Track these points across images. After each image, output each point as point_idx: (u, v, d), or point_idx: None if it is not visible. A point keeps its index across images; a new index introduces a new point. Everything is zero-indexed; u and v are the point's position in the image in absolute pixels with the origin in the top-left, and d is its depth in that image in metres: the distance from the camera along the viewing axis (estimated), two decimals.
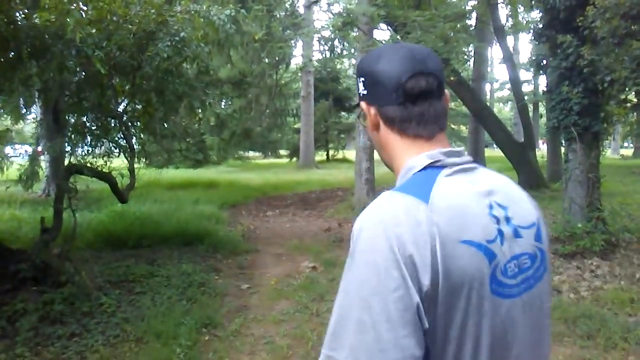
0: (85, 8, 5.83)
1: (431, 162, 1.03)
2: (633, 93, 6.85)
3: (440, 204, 0.94)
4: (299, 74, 26.19)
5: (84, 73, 5.94)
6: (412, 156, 1.05)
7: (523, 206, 1.08)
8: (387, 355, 0.87)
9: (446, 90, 1.14)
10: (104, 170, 6.17)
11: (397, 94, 1.05)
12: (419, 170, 1.03)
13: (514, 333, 0.98)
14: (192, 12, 6.04)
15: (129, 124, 6.93)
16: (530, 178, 13.72)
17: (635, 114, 7.27)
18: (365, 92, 1.12)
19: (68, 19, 4.62)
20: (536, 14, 9.46)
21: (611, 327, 4.28)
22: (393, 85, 1.05)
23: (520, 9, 19.00)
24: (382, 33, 23.99)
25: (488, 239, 0.95)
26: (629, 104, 6.80)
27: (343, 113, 34.20)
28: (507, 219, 1.01)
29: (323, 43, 26.10)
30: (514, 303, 0.98)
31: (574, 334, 4.30)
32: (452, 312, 0.91)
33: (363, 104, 1.13)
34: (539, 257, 1.04)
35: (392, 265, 0.88)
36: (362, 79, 1.12)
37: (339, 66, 32.75)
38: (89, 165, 6.01)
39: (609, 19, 5.73)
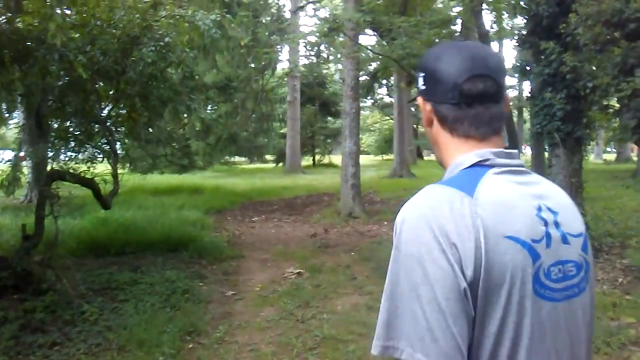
0: (68, 12, 5.79)
1: (480, 161, 1.03)
2: (615, 99, 6.93)
3: (486, 198, 0.95)
4: (285, 79, 26.19)
5: (67, 78, 5.89)
6: (462, 154, 1.06)
7: (572, 215, 1.07)
8: (439, 344, 0.88)
9: (508, 94, 1.15)
10: (87, 176, 6.10)
11: (453, 94, 1.05)
12: (467, 167, 1.03)
13: (555, 338, 0.98)
14: (177, 17, 6.02)
15: (113, 129, 6.88)
16: None
17: (617, 119, 7.34)
18: (423, 87, 1.12)
19: (50, 24, 4.56)
20: (520, 21, 9.55)
21: (594, 331, 4.30)
22: (450, 85, 1.05)
23: (505, 15, 19.17)
24: (368, 38, 24.08)
25: (533, 238, 0.95)
26: (611, 110, 6.87)
27: (329, 118, 34.28)
28: (557, 224, 1.00)
29: (309, 48, 26.16)
30: (556, 308, 0.97)
31: None
32: (492, 308, 0.91)
33: (420, 99, 1.14)
34: (584, 267, 1.03)
35: (437, 254, 0.90)
36: (422, 74, 1.13)
37: (325, 71, 32.82)
38: (71, 171, 5.93)
39: (591, 26, 5.80)
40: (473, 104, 1.05)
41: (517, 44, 8.02)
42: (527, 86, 16.97)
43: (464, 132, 1.06)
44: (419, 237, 0.92)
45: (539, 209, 0.99)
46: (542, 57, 7.07)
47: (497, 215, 0.94)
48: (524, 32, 7.64)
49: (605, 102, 6.75)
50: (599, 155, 37.24)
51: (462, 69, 1.05)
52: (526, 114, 27.92)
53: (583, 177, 7.36)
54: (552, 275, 0.97)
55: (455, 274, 0.89)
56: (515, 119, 22.77)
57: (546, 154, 8.12)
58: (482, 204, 0.94)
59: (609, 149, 42.65)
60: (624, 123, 6.51)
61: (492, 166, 1.02)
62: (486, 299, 0.91)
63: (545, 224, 0.98)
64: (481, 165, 1.02)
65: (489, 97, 1.05)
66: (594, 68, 6.31)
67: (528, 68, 7.83)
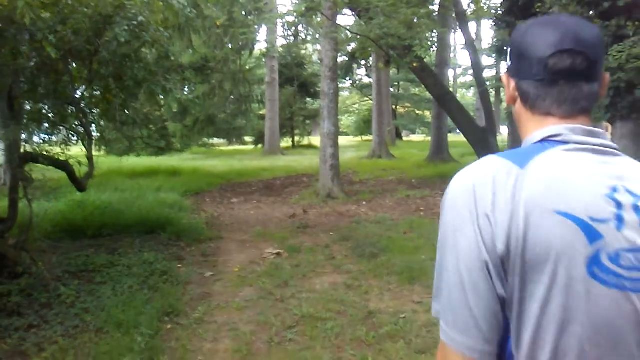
0: None
1: (550, 136, 0.98)
2: None
3: (539, 171, 0.91)
4: (263, 60, 25.98)
5: (38, 59, 5.76)
6: (539, 131, 1.01)
7: None
8: (456, 314, 0.91)
9: (606, 74, 1.07)
10: (60, 158, 6.01)
11: (537, 69, 1.00)
12: (535, 142, 1.00)
13: (625, 332, 0.88)
14: None
15: (87, 110, 6.77)
16: None
17: None
18: (509, 63, 1.08)
19: (18, 2, 4.45)
20: (497, 0, 9.60)
21: None
22: (535, 60, 1.00)
23: None
24: (347, 18, 23.94)
25: (593, 217, 0.88)
26: None
27: (308, 99, 34.16)
28: (637, 208, 0.90)
29: (287, 28, 25.90)
30: (627, 298, 0.87)
31: None
32: (533, 286, 0.87)
33: (504, 76, 1.11)
34: None
35: (468, 224, 0.90)
36: (509, 50, 1.08)
37: (303, 52, 32.60)
38: (45, 153, 5.84)
39: (566, 5, 5.86)
40: (558, 80, 0.99)
41: (494, 23, 8.07)
42: (504, 66, 17.08)
43: (544, 110, 1.01)
44: (456, 205, 0.93)
45: (614, 189, 0.91)
46: None
47: (549, 189, 0.89)
48: (501, 12, 7.68)
49: None
50: None
51: (548, 43, 0.99)
52: (503, 94, 28.12)
53: None
54: (621, 262, 0.87)
55: (478, 246, 0.89)
56: (493, 99, 22.93)
57: None
58: (532, 177, 0.90)
59: None
60: (598, 102, 6.61)
61: (564, 142, 0.96)
62: (525, 275, 0.87)
63: (619, 206, 0.89)
64: (551, 140, 0.97)
65: (577, 74, 0.98)
66: None
67: (505, 48, 7.88)
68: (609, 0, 5.55)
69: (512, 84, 1.07)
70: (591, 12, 5.89)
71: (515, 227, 0.87)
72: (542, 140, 0.98)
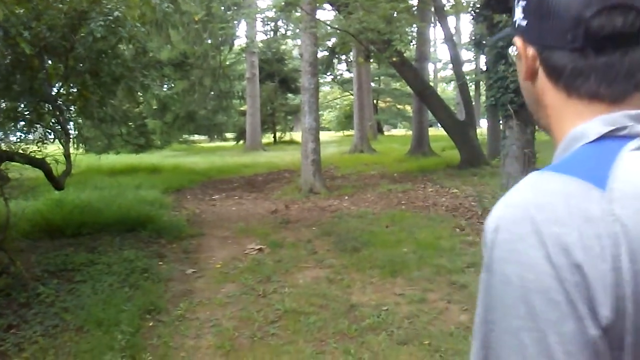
0: None
1: (610, 131, 0.68)
2: None
3: (626, 191, 0.62)
4: (243, 55, 25.85)
5: (13, 55, 5.67)
6: (583, 122, 0.71)
7: None
8: None
9: None
10: (37, 156, 5.93)
11: (574, 34, 0.69)
12: (592, 142, 0.69)
13: None
14: None
15: (64, 108, 6.68)
16: (471, 155, 14.13)
17: None
18: (524, 22, 0.76)
19: None
20: None
21: None
22: (570, 21, 0.69)
23: None
24: (326, 13, 23.91)
25: None
26: None
27: (289, 94, 34.07)
28: None
29: (267, 23, 25.83)
30: None
31: None
32: None
33: (517, 40, 0.78)
34: None
35: (551, 282, 0.59)
36: (522, 2, 0.76)
37: (283, 47, 32.51)
38: (21, 151, 5.76)
39: None
40: (606, 48, 0.69)
41: (472, 17, 8.13)
42: (483, 60, 17.24)
43: (589, 91, 0.71)
44: (522, 254, 0.61)
45: None
46: (496, 30, 7.19)
47: None
48: (478, 6, 7.74)
49: None
50: None
51: None
52: (483, 87, 28.38)
53: (536, 147, 7.57)
54: None
55: (578, 316, 0.58)
56: (472, 93, 23.15)
57: (501, 126, 8.32)
58: (621, 201, 0.61)
59: None
60: None
61: (631, 137, 0.67)
62: (638, 347, 0.59)
63: None
64: (614, 137, 0.68)
65: (630, 38, 0.68)
66: None
67: (483, 42, 7.95)
68: None
69: (531, 52, 0.76)
70: None
71: (621, 279, 0.58)
72: (601, 138, 0.68)
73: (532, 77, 0.78)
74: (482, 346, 0.64)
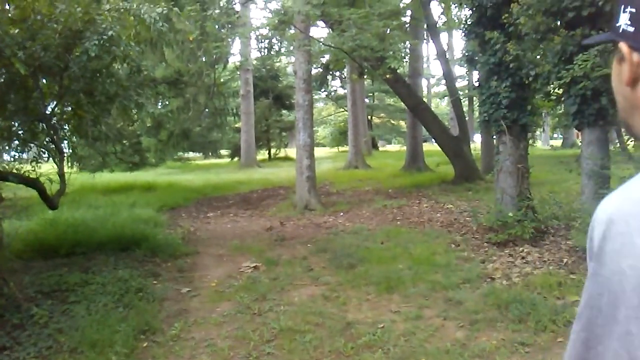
0: (8, 7, 5.58)
1: None
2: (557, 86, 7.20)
3: None
4: (238, 73, 25.95)
5: (7, 75, 5.68)
6: None
7: None
8: None
9: None
10: (31, 175, 5.91)
11: None
12: None
13: None
14: (122, 10, 5.89)
15: (58, 127, 6.68)
16: (465, 170, 14.17)
17: (560, 106, 7.62)
18: (631, 28, 0.75)
19: None
20: (467, 11, 9.77)
21: (541, 310, 4.47)
22: None
23: (453, 6, 19.55)
24: (320, 31, 24.08)
25: None
26: (553, 97, 7.13)
27: (284, 111, 34.16)
28: None
29: (261, 41, 25.96)
30: None
31: (507, 318, 4.47)
32: None
33: (624, 46, 0.78)
34: None
35: None
36: (632, 9, 0.75)
37: (277, 64, 32.66)
38: (15, 171, 5.74)
39: (532, 16, 5.99)
40: None
41: (464, 34, 8.20)
42: (475, 76, 17.38)
43: None
44: (637, 247, 0.60)
45: None
46: (488, 46, 7.26)
47: None
48: (470, 23, 7.82)
49: (547, 90, 7.00)
50: (547, 141, 38.51)
51: None
52: (476, 103, 28.58)
53: (529, 162, 7.61)
54: None
55: None
56: (466, 108, 23.28)
57: (494, 142, 8.37)
58: None
59: (556, 136, 44.11)
60: (566, 109, 6.77)
61: None
62: None
63: None
64: None
65: None
66: (536, 56, 6.53)
67: (475, 58, 8.02)
68: (573, 10, 5.69)
69: (637, 58, 0.75)
70: (557, 22, 6.03)
71: None
72: None
73: (634, 83, 0.78)
74: (584, 329, 0.66)
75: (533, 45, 6.47)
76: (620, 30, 0.77)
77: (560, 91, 6.80)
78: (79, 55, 5.57)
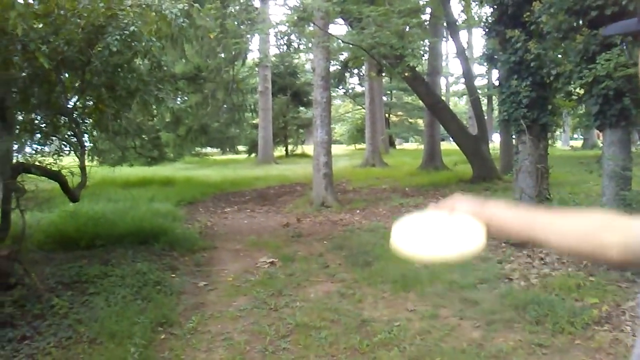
0: (31, 2, 5.66)
1: None
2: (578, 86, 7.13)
3: None
4: (256, 69, 26.03)
5: (31, 69, 5.77)
6: None
7: None
8: None
9: None
10: (53, 168, 6.00)
11: None
12: None
13: None
14: (144, 5, 5.93)
15: (80, 120, 6.77)
16: (483, 170, 14.07)
17: (581, 106, 7.53)
18: None
19: (11, 12, 4.46)
20: (487, 9, 9.69)
21: (559, 312, 4.43)
22: None
23: (473, 4, 19.40)
24: (339, 27, 24.02)
25: None
26: (574, 97, 7.04)
27: (301, 108, 34.20)
28: None
29: (279, 37, 26.00)
30: None
31: (524, 319, 4.44)
32: None
33: None
34: None
35: None
36: None
37: (296, 61, 32.69)
38: (37, 163, 5.83)
39: (554, 14, 5.92)
40: None
41: (484, 32, 8.14)
42: (495, 74, 17.25)
43: None
44: None
45: None
46: (508, 45, 7.20)
47: None
48: (491, 21, 7.76)
49: (569, 89, 6.92)
50: (567, 141, 38.05)
51: None
52: (495, 102, 28.31)
53: (549, 163, 7.54)
54: None
55: None
56: (485, 107, 23.09)
57: (514, 141, 8.30)
58: None
59: (576, 136, 43.57)
60: (587, 109, 6.69)
61: None
62: None
63: None
64: None
65: None
66: (557, 55, 6.46)
67: (495, 56, 7.96)
68: (596, 9, 5.62)
69: None
70: (580, 21, 5.96)
71: None
72: None
73: None
74: None
75: (555, 44, 6.41)
76: None
77: (582, 91, 6.72)
78: (101, 50, 5.63)
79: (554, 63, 6.50)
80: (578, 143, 37.91)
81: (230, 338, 4.28)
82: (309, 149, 27.89)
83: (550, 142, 7.86)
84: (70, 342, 4.14)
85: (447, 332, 4.28)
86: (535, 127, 7.22)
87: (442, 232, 1.04)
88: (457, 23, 16.84)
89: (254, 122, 29.60)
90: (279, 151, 32.03)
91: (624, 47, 5.04)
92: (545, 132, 7.42)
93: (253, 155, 29.61)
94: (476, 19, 20.56)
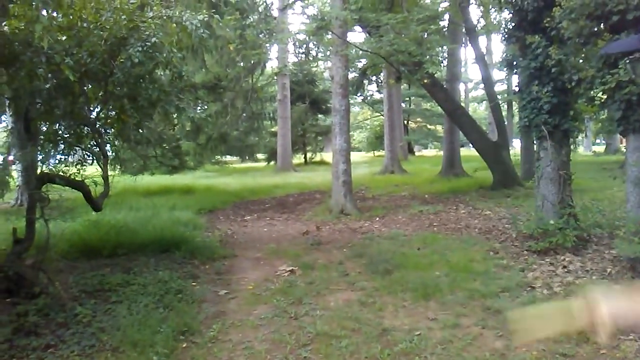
0: (55, 15, 5.78)
1: None
2: (600, 91, 7.03)
3: None
4: (275, 77, 26.18)
5: (54, 80, 5.87)
6: None
7: None
8: None
9: None
10: (77, 178, 6.09)
11: None
12: None
13: None
14: (165, 17, 6.02)
15: (102, 131, 6.86)
16: (504, 176, 13.94)
17: (604, 111, 7.43)
18: None
19: (36, 26, 4.56)
20: (506, 15, 9.63)
21: None
22: None
23: (492, 10, 19.29)
24: (357, 35, 24.05)
25: None
26: (597, 102, 6.95)
27: (320, 115, 34.29)
28: None
29: (298, 46, 26.15)
30: None
31: None
32: None
33: None
34: None
35: None
36: None
37: (314, 69, 32.82)
38: (61, 173, 5.93)
39: (575, 19, 5.87)
40: None
41: (503, 38, 8.08)
42: (515, 80, 17.13)
43: None
44: None
45: None
46: (528, 50, 7.14)
47: None
48: (510, 26, 7.70)
49: (591, 95, 6.84)
50: (588, 147, 37.55)
51: None
52: (515, 108, 28.04)
53: (571, 169, 7.44)
54: None
55: None
56: (505, 113, 22.91)
57: (535, 147, 8.20)
58: None
59: (598, 141, 42.95)
60: (610, 115, 6.60)
61: None
62: None
63: None
64: None
65: None
66: (579, 61, 6.39)
67: (515, 62, 7.89)
68: (618, 14, 5.55)
69: None
70: (600, 27, 5.90)
71: None
72: None
73: None
74: None
75: (576, 49, 6.34)
76: None
77: (604, 96, 6.63)
78: (123, 62, 5.72)
79: (576, 69, 6.43)
80: (600, 148, 37.36)
81: (251, 347, 4.29)
82: (327, 156, 27.91)
83: (571, 147, 7.74)
84: (94, 350, 4.18)
85: (469, 341, 4.23)
86: (557, 133, 7.14)
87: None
88: (476, 29, 16.75)
89: (273, 130, 29.76)
90: (298, 159, 32.13)
91: (627, 64, 4.97)
92: (567, 138, 7.33)
93: (272, 163, 29.75)
94: (495, 24, 20.46)
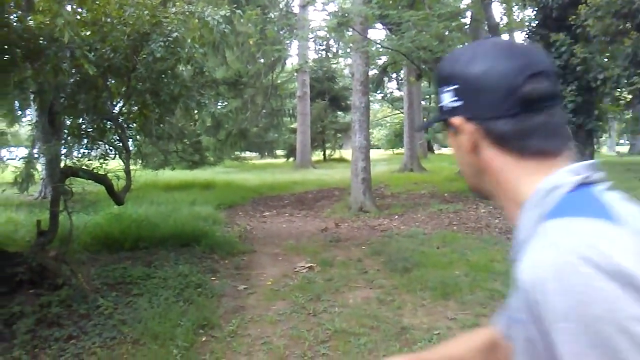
0: (80, 10, 5.85)
1: (582, 178, 0.78)
2: (626, 91, 6.92)
3: (634, 226, 0.71)
4: (295, 74, 26.21)
5: (78, 75, 5.95)
6: (539, 179, 0.80)
7: None
8: None
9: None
10: (99, 172, 6.16)
11: (509, 102, 0.80)
12: (571, 191, 0.77)
13: None
14: (187, 13, 6.06)
15: (125, 125, 6.93)
16: None
17: (629, 111, 7.31)
18: (458, 103, 0.86)
19: (58, 19, 4.61)
20: (530, 12, 9.51)
21: None
22: (503, 91, 0.80)
23: (515, 7, 19.07)
24: (378, 32, 24.00)
25: None
26: (622, 102, 6.84)
27: (339, 112, 34.26)
28: None
29: (318, 43, 26.13)
30: None
31: None
32: None
33: (457, 120, 0.87)
34: None
35: (638, 307, 0.63)
36: (453, 86, 0.86)
37: (334, 66, 32.78)
38: (84, 167, 6.00)
39: (601, 17, 5.77)
40: (536, 109, 0.80)
41: (527, 36, 7.99)
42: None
43: (536, 149, 0.81)
44: (595, 290, 0.63)
45: None
46: (553, 49, 7.05)
47: None
48: (534, 24, 7.61)
49: (616, 94, 6.73)
50: (612, 147, 36.96)
51: (515, 66, 0.81)
52: None
53: None
54: None
55: None
56: None
57: None
58: (636, 233, 0.70)
59: (622, 141, 42.28)
60: (635, 114, 6.49)
61: (593, 183, 0.78)
62: None
63: None
64: (584, 184, 0.78)
65: (553, 98, 0.83)
66: (604, 59, 6.29)
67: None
68: None
69: (471, 127, 0.85)
70: (626, 25, 5.79)
71: None
72: (577, 187, 0.77)
73: (474, 150, 0.86)
74: None
75: (602, 47, 6.25)
76: (451, 108, 0.87)
77: (630, 96, 6.53)
78: (146, 57, 5.77)
79: (601, 67, 6.33)
80: (624, 148, 36.75)
81: (270, 342, 4.30)
82: (346, 153, 27.88)
83: (595, 147, 7.63)
84: (115, 342, 4.23)
85: None
86: (581, 133, 7.05)
87: None
88: (498, 26, 16.57)
89: (292, 126, 29.82)
90: (317, 155, 32.16)
91: None
92: (591, 138, 7.24)
93: (291, 159, 29.80)
94: (518, 21, 20.24)
